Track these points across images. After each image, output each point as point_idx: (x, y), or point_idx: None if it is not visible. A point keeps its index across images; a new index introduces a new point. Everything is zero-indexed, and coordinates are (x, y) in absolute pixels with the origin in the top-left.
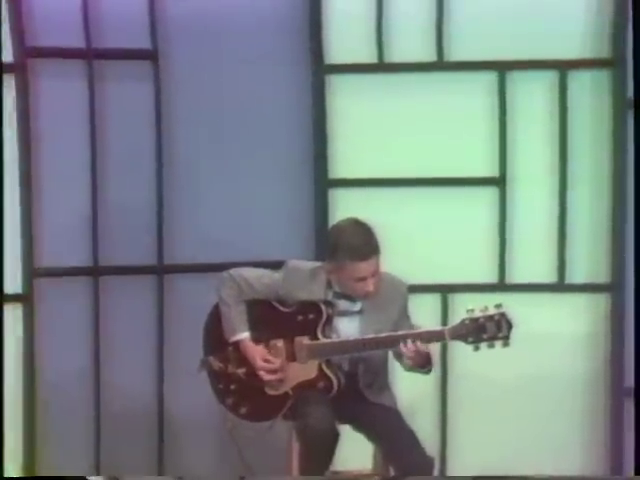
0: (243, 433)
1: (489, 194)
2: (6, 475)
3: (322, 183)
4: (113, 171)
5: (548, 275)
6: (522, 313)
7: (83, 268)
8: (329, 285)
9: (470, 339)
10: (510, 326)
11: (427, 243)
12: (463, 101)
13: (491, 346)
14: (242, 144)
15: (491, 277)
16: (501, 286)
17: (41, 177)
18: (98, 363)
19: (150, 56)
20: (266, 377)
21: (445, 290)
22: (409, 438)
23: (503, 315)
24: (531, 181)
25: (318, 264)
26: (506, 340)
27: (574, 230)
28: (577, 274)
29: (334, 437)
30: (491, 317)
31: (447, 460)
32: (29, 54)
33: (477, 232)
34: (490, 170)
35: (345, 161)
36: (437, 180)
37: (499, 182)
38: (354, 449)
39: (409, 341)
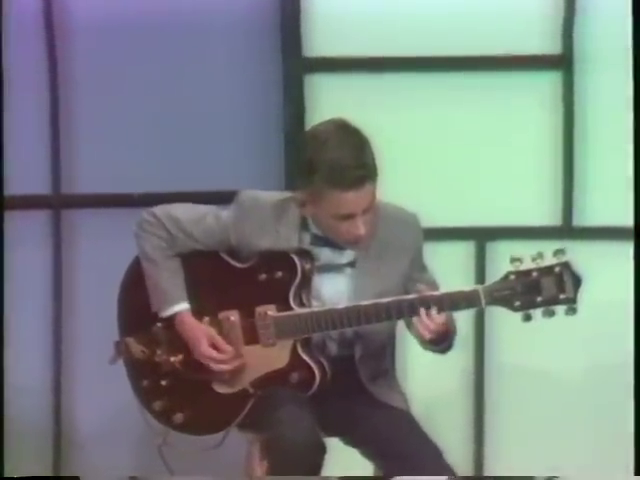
0: (180, 451)
1: (547, 83)
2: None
3: (295, 65)
4: None
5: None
6: (596, 269)
7: None
8: (304, 225)
9: (517, 303)
10: (578, 282)
11: (453, 162)
12: None
13: (549, 314)
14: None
15: (552, 217)
16: (567, 230)
17: None
18: None
19: None
20: (214, 367)
21: (482, 236)
22: (431, 455)
23: (567, 266)
24: (612, 61)
25: (287, 194)
26: (572, 304)
27: None
28: None
29: (319, 453)
30: (549, 270)
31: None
32: None
33: (528, 145)
34: (549, 45)
35: (327, 32)
36: (467, 61)
37: (562, 64)
38: (347, 460)
39: (422, 310)
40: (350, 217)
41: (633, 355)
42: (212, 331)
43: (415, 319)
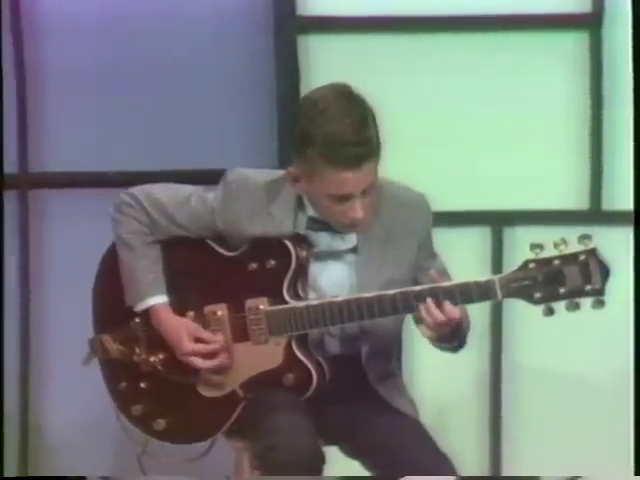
0: (161, 462)
1: (574, 43)
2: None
3: (287, 25)
4: None
5: None
6: (628, 258)
7: None
8: (300, 207)
9: (537, 295)
10: (606, 272)
11: (467, 136)
12: None
13: (573, 307)
14: None
15: (578, 200)
16: (595, 215)
17: None
18: None
19: None
20: (201, 364)
21: (499, 221)
22: (439, 465)
23: (593, 254)
24: None
25: (280, 172)
26: (599, 296)
27: None
28: None
29: (316, 463)
30: (573, 257)
31: None
32: None
33: (551, 116)
34: (576, 2)
35: None
36: (481, 20)
37: (592, 22)
38: (346, 469)
39: (429, 300)
40: (347, 198)
41: (633, 354)
42: (193, 324)
43: (423, 311)
